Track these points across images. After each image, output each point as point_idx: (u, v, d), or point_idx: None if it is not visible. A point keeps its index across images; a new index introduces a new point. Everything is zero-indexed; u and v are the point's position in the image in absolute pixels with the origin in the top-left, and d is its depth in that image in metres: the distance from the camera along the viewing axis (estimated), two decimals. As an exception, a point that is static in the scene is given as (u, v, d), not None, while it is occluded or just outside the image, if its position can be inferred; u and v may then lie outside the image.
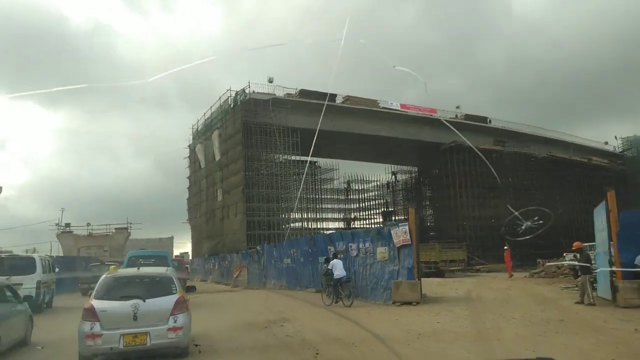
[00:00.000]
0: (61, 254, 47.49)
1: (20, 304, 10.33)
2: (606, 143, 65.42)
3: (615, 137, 65.96)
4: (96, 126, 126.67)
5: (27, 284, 15.99)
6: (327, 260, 17.02)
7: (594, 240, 16.31)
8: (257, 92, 40.58)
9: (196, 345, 9.02)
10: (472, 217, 47.52)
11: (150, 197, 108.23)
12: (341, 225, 56.61)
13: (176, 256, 52.28)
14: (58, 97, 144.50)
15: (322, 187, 54.36)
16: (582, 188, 55.31)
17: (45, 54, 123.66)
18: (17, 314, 9.80)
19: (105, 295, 7.67)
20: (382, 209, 59.95)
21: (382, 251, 16.35)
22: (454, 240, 38.00)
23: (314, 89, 43.42)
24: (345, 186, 57.27)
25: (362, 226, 55.69)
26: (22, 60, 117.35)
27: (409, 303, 14.44)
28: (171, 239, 70.10)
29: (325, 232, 44.73)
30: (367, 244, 17.24)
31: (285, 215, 42.66)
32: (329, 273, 16.15)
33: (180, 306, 7.77)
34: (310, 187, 48.90)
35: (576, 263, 13.79)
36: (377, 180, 59.62)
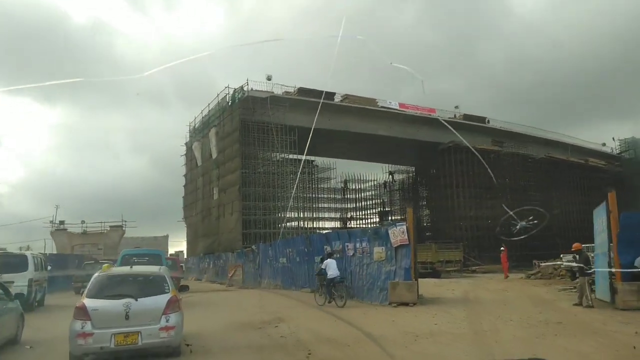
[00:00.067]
0: (55, 252, 47.26)
1: (12, 302, 10.23)
2: (604, 145, 65.47)
3: (613, 139, 66.05)
4: (92, 123, 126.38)
5: (19, 282, 15.87)
6: (324, 260, 16.89)
7: (591, 242, 16.21)
8: (256, 90, 40.32)
9: (187, 345, 8.91)
10: (468, 217, 47.43)
11: (146, 195, 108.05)
12: (337, 224, 56.48)
13: (171, 255, 52.30)
14: (55, 94, 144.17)
15: (319, 186, 54.15)
16: (580, 189, 55.34)
17: (46, 51, 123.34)
18: (8, 312, 9.71)
19: (97, 293, 7.61)
20: (379, 209, 59.80)
21: (379, 251, 16.20)
22: (450, 240, 37.86)
23: (313, 88, 43.30)
24: (342, 185, 57.10)
25: (358, 226, 55.52)
26: (22, 58, 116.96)
27: (406, 304, 14.29)
28: (166, 237, 69.99)
29: (321, 231, 44.52)
30: (364, 244, 17.09)
31: (281, 214, 42.46)
32: (322, 273, 16.03)
33: (173, 305, 7.70)
34: (307, 186, 48.70)
35: (574, 264, 13.62)
36: (374, 180, 59.51)
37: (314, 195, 51.53)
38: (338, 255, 18.24)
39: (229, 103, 41.57)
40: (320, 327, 11.08)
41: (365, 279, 16.67)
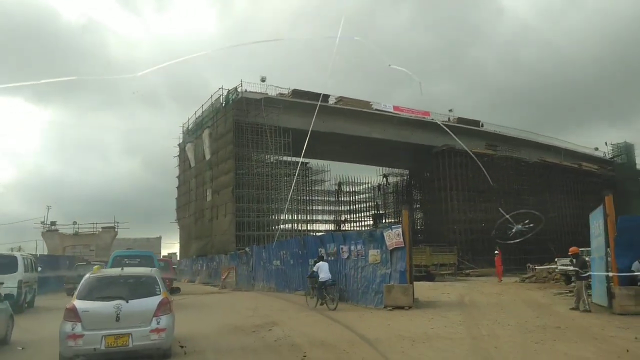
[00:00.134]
0: (46, 253, 46.77)
1: (1, 303, 10.07)
2: (596, 149, 65.72)
3: (606, 144, 66.38)
4: (85, 124, 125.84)
5: (9, 283, 15.72)
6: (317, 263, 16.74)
7: (585, 246, 16.13)
8: (250, 91, 40.15)
9: (182, 347, 8.83)
10: (462, 220, 47.46)
11: (139, 196, 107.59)
12: (331, 227, 56.27)
13: (164, 256, 51.89)
14: (47, 94, 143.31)
15: (313, 188, 53.96)
16: (573, 194, 55.57)
17: (36, 50, 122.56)
18: (-2, 313, 9.58)
19: (88, 295, 7.56)
20: (373, 212, 59.67)
21: (374, 254, 16.05)
22: (444, 244, 37.80)
23: (307, 90, 43.20)
24: (336, 188, 56.91)
25: (352, 228, 55.38)
26: (12, 56, 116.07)
27: (401, 307, 14.15)
28: (159, 239, 69.62)
29: (315, 233, 44.33)
30: (358, 246, 16.93)
31: (275, 217, 42.24)
32: (314, 275, 15.94)
33: (164, 307, 7.67)
34: (301, 188, 48.50)
35: (572, 268, 13.52)
36: (368, 183, 59.43)
37: (307, 198, 51.35)
38: (332, 258, 18.11)
39: (223, 104, 41.36)
40: (314, 331, 10.89)
41: (360, 282, 16.51)
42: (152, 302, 7.62)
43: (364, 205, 60.20)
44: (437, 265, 32.11)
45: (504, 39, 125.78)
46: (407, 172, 59.17)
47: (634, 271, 11.68)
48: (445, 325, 11.02)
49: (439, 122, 36.05)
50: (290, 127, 40.37)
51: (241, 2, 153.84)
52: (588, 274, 13.13)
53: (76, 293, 7.69)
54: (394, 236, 15.31)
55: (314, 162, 51.62)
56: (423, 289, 18.82)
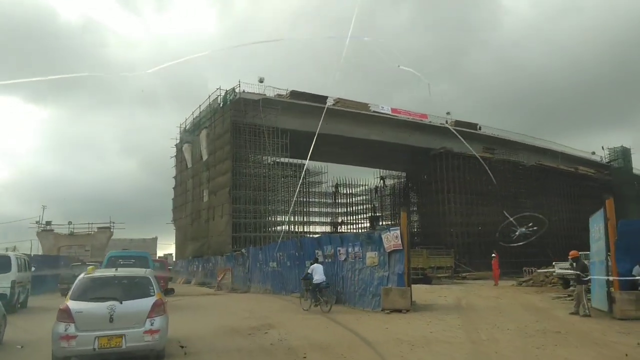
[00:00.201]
0: (41, 253, 46.43)
1: (-6, 302, 9.91)
2: (593, 153, 65.80)
3: (603, 148, 66.41)
4: (82, 124, 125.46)
5: (2, 283, 15.78)
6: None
7: (581, 249, 16.01)
8: (248, 92, 39.96)
9: (182, 347, 8.83)
10: (459, 223, 47.40)
11: (135, 197, 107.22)
12: (328, 229, 56.11)
13: (159, 257, 51.58)
14: (44, 94, 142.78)
15: (310, 190, 53.82)
16: (570, 197, 55.60)
17: (35, 49, 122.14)
18: (-10, 313, 9.49)
19: (82, 296, 7.53)
20: (370, 214, 59.57)
21: (371, 256, 15.91)
22: (441, 246, 37.71)
23: (305, 91, 43.12)
24: (333, 190, 56.79)
25: (348, 230, 55.24)
26: (10, 56, 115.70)
27: (399, 310, 14.00)
28: (155, 239, 69.26)
29: (311, 235, 44.17)
30: (356, 249, 16.79)
31: (271, 218, 42.07)
32: (308, 277, 15.85)
33: (158, 309, 7.63)
34: (299, 190, 48.34)
35: (572, 272, 13.39)
36: (365, 185, 59.31)
37: (304, 200, 51.21)
38: (330, 260, 17.99)
39: (221, 105, 41.16)
40: (311, 334, 10.73)
41: (358, 285, 16.36)
42: (146, 303, 7.58)
43: (361, 207, 60.14)
44: (434, 268, 31.97)
45: (502, 42, 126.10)
46: (405, 175, 59.09)
47: (634, 275, 11.56)
48: (444, 329, 10.88)
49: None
50: (288, 128, 40.25)
51: (241, 2, 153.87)
52: (589, 278, 13.01)
53: (70, 293, 7.64)
54: (392, 238, 15.18)
55: (311, 164, 51.51)
56: (420, 292, 18.69)
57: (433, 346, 8.95)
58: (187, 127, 49.48)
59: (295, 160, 46.93)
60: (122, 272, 8.74)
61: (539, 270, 26.31)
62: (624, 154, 64.30)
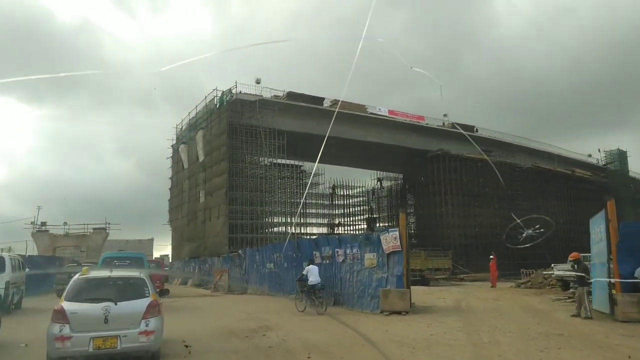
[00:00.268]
0: (37, 254, 46.08)
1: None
2: (589, 156, 65.91)
3: (599, 150, 66.54)
4: (78, 124, 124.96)
5: None
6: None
7: (579, 251, 15.89)
8: (244, 93, 39.79)
9: (186, 347, 8.85)
10: (456, 225, 47.34)
11: (131, 198, 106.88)
12: (324, 230, 55.95)
13: (156, 258, 51.33)
14: (40, 94, 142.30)
15: (307, 191, 53.56)
16: (566, 200, 55.68)
17: (30, 50, 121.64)
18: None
19: (76, 297, 7.49)
20: (367, 216, 59.45)
21: (370, 257, 15.77)
22: (439, 248, 37.61)
23: (302, 92, 42.99)
24: (330, 191, 56.63)
25: (345, 232, 55.08)
26: (7, 57, 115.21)
27: (398, 312, 13.85)
28: (151, 240, 68.96)
29: (308, 237, 43.97)
30: (354, 250, 16.65)
31: (268, 219, 41.87)
32: (303, 279, 15.76)
33: (153, 310, 7.63)
34: (295, 191, 48.21)
35: (573, 274, 13.27)
36: (362, 186, 59.20)
37: (301, 201, 50.96)
38: (328, 262, 17.85)
39: (217, 105, 40.95)
40: (310, 336, 10.55)
41: (356, 286, 16.21)
42: (141, 304, 7.56)
43: (358, 209, 60.00)
44: (432, 269, 31.87)
45: (499, 44, 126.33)
46: (402, 176, 59.04)
47: (637, 278, 11.44)
48: (445, 331, 10.73)
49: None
50: (285, 130, 40.12)
51: (237, 3, 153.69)
52: (593, 280, 12.88)
53: (64, 294, 7.58)
54: (390, 240, 15.04)
55: (307, 165, 51.35)
56: (418, 294, 18.54)
57: (434, 349, 8.79)
58: (184, 127, 49.25)
59: (292, 162, 46.82)
60: (117, 273, 8.67)
61: (544, 272, 26.07)
62: (620, 156, 64.44)
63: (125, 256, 19.73)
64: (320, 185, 53.75)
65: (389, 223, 55.66)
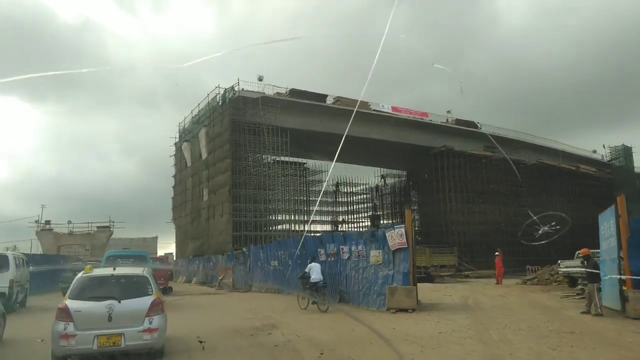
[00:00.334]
0: (41, 252, 46.06)
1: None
2: (594, 152, 65.51)
3: (604, 146, 66.13)
4: (81, 123, 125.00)
5: (0, 282, 15.39)
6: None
7: (586, 247, 15.66)
8: (247, 90, 39.59)
9: (200, 342, 8.92)
10: (460, 222, 47.13)
11: (135, 196, 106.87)
12: (328, 228, 55.81)
13: (160, 256, 51.24)
14: (43, 93, 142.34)
15: (310, 189, 53.43)
16: (571, 196, 55.33)
17: (32, 49, 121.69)
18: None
19: (80, 295, 7.54)
20: (370, 213, 59.24)
21: (375, 254, 15.62)
22: (444, 245, 37.42)
23: (305, 89, 42.77)
24: (334, 188, 56.45)
25: (349, 229, 54.93)
26: (8, 56, 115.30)
27: (405, 310, 13.68)
28: (155, 239, 68.78)
29: (312, 234, 43.79)
30: (359, 247, 16.50)
31: (272, 217, 41.73)
32: (305, 277, 15.72)
33: (156, 308, 7.65)
34: (299, 188, 48.04)
35: (587, 270, 13.06)
36: (365, 184, 59.01)
37: (305, 198, 50.82)
38: (333, 259, 17.73)
39: (220, 103, 40.80)
40: (317, 335, 10.40)
41: (362, 284, 16.07)
42: (145, 302, 7.58)
43: (362, 206, 59.79)
44: (437, 266, 31.71)
45: (502, 42, 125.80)
46: (405, 173, 58.79)
47: (648, 274, 11.24)
48: (454, 329, 10.55)
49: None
50: (288, 127, 39.94)
51: (238, 2, 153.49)
52: (606, 277, 12.66)
53: (68, 293, 7.64)
54: (396, 236, 14.88)
55: (311, 163, 51.20)
56: (424, 291, 18.35)
57: (444, 347, 8.63)
58: (186, 125, 49.12)
59: (295, 159, 46.60)
60: (120, 271, 8.62)
61: (558, 268, 25.78)
62: (625, 152, 64.04)
63: (128, 254, 19.68)
64: (324, 183, 53.57)
65: (392, 220, 55.48)
